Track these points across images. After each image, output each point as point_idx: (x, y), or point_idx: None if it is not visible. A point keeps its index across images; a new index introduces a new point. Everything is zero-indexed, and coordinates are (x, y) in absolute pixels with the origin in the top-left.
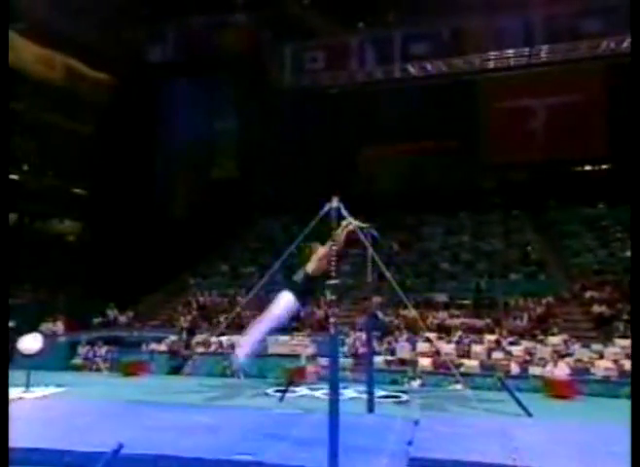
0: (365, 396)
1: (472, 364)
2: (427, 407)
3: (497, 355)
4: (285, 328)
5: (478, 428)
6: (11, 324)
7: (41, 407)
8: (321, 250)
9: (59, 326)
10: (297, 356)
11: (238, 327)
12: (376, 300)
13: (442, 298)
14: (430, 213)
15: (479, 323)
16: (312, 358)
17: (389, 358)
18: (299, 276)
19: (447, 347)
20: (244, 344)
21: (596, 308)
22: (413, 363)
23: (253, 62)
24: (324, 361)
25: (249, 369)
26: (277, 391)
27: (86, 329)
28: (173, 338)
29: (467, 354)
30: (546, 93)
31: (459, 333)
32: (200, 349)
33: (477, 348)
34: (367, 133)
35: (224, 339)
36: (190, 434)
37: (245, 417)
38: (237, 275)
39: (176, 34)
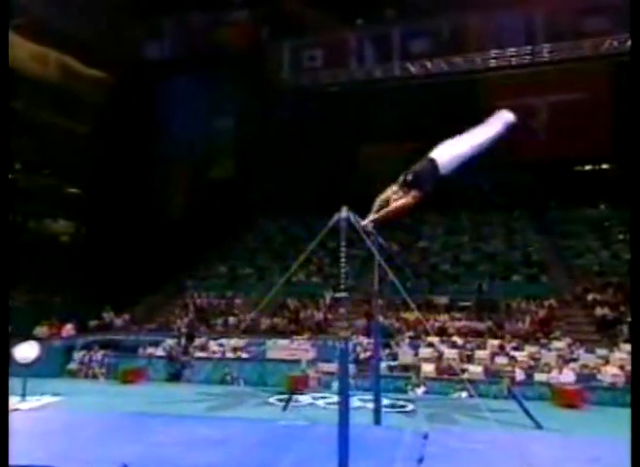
0: (370, 405)
1: (476, 370)
2: (434, 417)
3: (501, 360)
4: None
5: (490, 443)
6: None
7: (38, 419)
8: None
9: (55, 330)
10: (297, 361)
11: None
12: (377, 302)
13: (443, 300)
14: (430, 213)
15: (480, 326)
16: (312, 363)
17: (392, 364)
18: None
19: (450, 352)
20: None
21: (599, 311)
22: (416, 369)
23: (251, 60)
24: (325, 366)
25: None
26: (280, 400)
27: (81, 332)
28: (170, 341)
29: (470, 359)
30: (548, 93)
31: (462, 337)
32: (199, 354)
33: (480, 353)
34: (367, 132)
35: (223, 342)
36: (195, 449)
37: (250, 430)
38: (235, 277)
39: (174, 31)
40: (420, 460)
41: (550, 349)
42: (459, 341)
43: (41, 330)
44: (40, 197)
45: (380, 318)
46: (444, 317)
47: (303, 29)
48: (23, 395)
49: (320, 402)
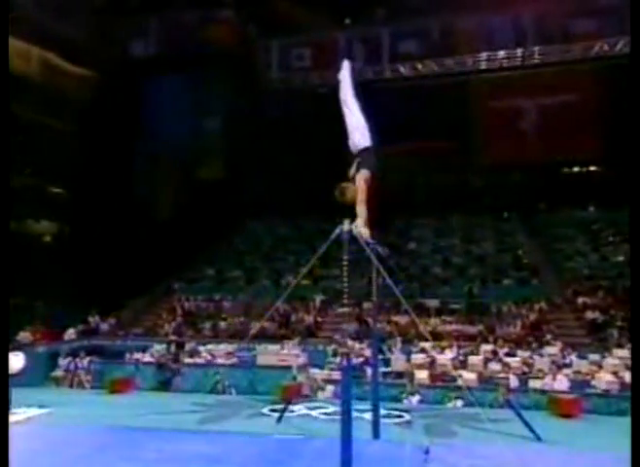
0: (366, 415)
1: (470, 377)
2: (432, 429)
3: (494, 367)
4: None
5: (493, 459)
6: None
7: (26, 434)
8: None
9: (39, 336)
10: (287, 367)
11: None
12: (367, 305)
13: (433, 303)
14: (420, 215)
15: (472, 330)
16: (303, 368)
17: (385, 370)
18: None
19: (443, 358)
20: None
21: (589, 315)
22: (410, 375)
23: (239, 59)
24: (317, 373)
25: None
26: (273, 411)
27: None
28: (158, 347)
29: (463, 364)
30: (538, 95)
31: (454, 342)
32: (188, 359)
33: (473, 359)
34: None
35: (212, 347)
36: None
37: (247, 446)
38: (224, 279)
39: (160, 29)
40: None
41: (542, 355)
42: (451, 346)
43: (24, 335)
44: (22, 196)
45: (371, 321)
46: (435, 321)
47: (291, 28)
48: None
49: (314, 412)
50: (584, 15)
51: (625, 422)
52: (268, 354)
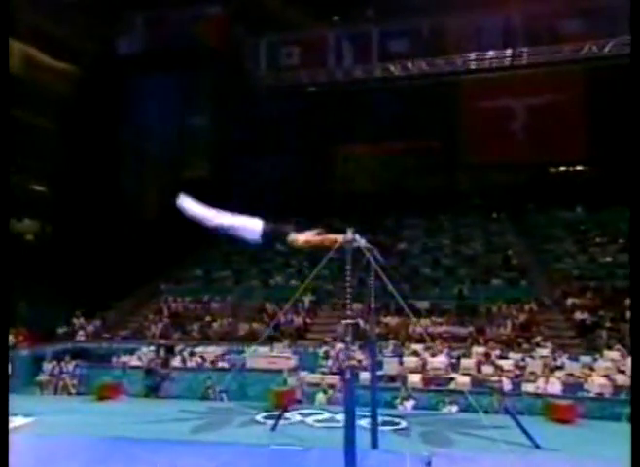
0: (362, 422)
1: (463, 380)
2: (429, 436)
3: (487, 369)
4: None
5: None
6: None
7: (13, 447)
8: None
9: (22, 338)
10: (278, 371)
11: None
12: (357, 306)
13: (423, 304)
14: (409, 215)
15: (462, 331)
16: (294, 371)
17: (378, 373)
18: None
19: (435, 361)
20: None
21: (578, 316)
22: (403, 379)
23: (227, 56)
24: (308, 376)
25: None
26: (267, 418)
27: (50, 340)
28: (145, 350)
29: (455, 367)
30: (526, 95)
31: (445, 344)
32: (177, 363)
33: (465, 362)
34: (345, 133)
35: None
36: None
37: (242, 457)
38: (211, 280)
39: (147, 26)
40: None
41: (534, 357)
42: (442, 349)
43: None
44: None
45: (361, 323)
46: (425, 322)
47: (280, 26)
48: None
49: (309, 420)
50: (573, 16)
51: (621, 428)
52: (258, 357)
